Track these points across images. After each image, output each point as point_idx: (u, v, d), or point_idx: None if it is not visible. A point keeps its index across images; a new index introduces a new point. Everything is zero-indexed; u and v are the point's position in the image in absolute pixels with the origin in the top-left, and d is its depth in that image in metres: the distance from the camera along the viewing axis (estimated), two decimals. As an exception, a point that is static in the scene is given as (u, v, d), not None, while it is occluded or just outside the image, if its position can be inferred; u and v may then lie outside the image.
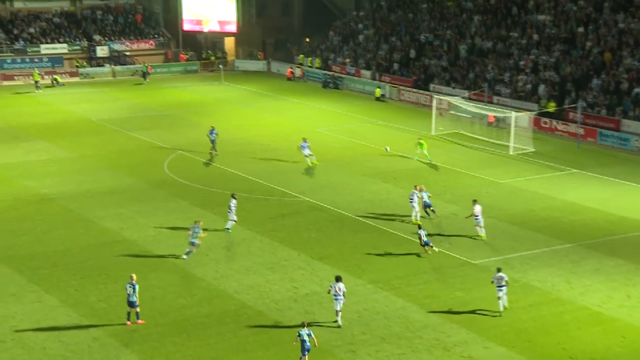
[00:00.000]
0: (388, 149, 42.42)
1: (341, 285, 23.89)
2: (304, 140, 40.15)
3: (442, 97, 51.09)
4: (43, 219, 32.38)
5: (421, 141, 42.02)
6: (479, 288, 26.56)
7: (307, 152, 40.00)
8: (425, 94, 57.05)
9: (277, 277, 27.22)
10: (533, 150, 44.13)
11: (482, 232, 30.91)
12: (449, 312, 24.83)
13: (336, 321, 23.82)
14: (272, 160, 41.59)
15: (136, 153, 42.14)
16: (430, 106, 51.36)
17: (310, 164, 39.98)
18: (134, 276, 24.01)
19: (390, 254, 29.51)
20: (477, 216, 30.70)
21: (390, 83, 61.14)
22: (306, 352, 21.31)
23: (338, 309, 23.81)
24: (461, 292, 26.27)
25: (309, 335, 21.33)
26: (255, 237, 30.82)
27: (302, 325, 21.56)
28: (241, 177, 38.40)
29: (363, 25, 70.09)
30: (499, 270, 24.97)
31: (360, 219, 33.20)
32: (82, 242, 30.01)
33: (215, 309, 24.85)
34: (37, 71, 61.03)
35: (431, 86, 58.63)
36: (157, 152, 43.09)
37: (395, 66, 62.94)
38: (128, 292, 23.60)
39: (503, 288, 24.68)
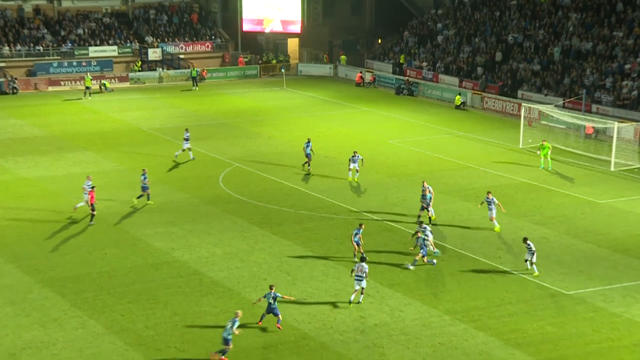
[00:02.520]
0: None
1: (365, 266, 27.00)
2: (355, 153, 40.31)
3: (532, 106, 50.44)
4: (88, 237, 33.33)
5: (544, 143, 41.99)
6: (573, 323, 26.02)
7: (353, 165, 40.08)
8: (513, 102, 56.39)
9: (342, 306, 27.25)
10: (638, 166, 43.03)
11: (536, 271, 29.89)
12: (538, 350, 24.35)
13: (358, 302, 26.79)
14: (337, 175, 41.77)
15: (189, 166, 43.00)
16: (518, 115, 50.75)
17: (350, 179, 40.07)
18: (240, 313, 23.83)
19: (470, 281, 29.20)
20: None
21: (473, 90, 60.70)
22: (266, 315, 25.28)
23: (357, 288, 27.09)
24: (552, 327, 25.78)
25: (274, 298, 25.22)
26: (318, 260, 30.96)
27: (270, 288, 25.46)
28: (303, 193, 38.69)
29: (443, 24, 69.91)
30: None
31: (435, 241, 32.96)
32: (130, 263, 30.75)
33: (273, 339, 25.05)
34: (89, 76, 62.92)
35: (519, 93, 57.94)
36: (212, 165, 43.82)
37: (479, 70, 62.47)
38: (226, 327, 23.47)
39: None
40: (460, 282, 29.25)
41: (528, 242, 29.97)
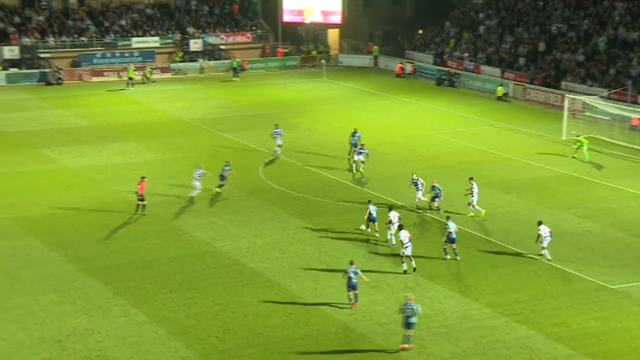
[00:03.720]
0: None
1: (406, 232, 28.91)
2: (362, 146, 40.31)
3: (575, 97, 49.72)
4: (130, 226, 33.72)
5: (580, 138, 41.60)
6: (617, 317, 25.68)
7: (357, 157, 39.97)
8: (556, 93, 55.66)
9: (382, 297, 27.24)
10: (685, 158, 42.27)
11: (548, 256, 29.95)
12: (581, 344, 24.08)
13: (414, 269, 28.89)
14: (377, 166, 41.66)
15: (229, 156, 43.15)
16: (561, 107, 50.08)
17: (354, 171, 39.92)
18: (411, 296, 24.08)
19: (512, 274, 28.96)
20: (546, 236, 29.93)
21: (515, 80, 60.02)
22: (350, 289, 26.02)
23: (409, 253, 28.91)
24: (596, 322, 25.47)
25: (355, 272, 25.90)
26: (358, 251, 30.94)
27: (350, 263, 26.25)
28: (343, 185, 38.65)
29: (485, 14, 69.18)
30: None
31: (477, 234, 32.74)
32: (171, 252, 31.05)
33: (313, 330, 25.12)
34: (132, 67, 63.59)
35: (563, 84, 57.14)
36: (252, 156, 44.00)
37: (521, 61, 61.72)
38: (407, 314, 23.59)
39: None
40: (502, 275, 29.02)
41: (541, 226, 29.97)
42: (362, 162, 40.31)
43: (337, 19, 74.76)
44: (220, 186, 37.51)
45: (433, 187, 34.50)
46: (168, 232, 32.99)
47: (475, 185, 34.41)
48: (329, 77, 66.80)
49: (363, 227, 32.79)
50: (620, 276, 28.64)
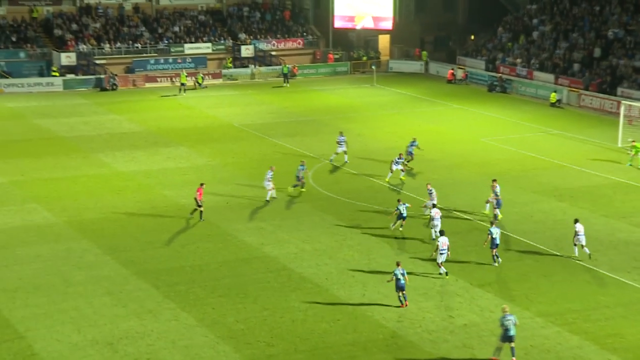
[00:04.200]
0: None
1: (445, 239, 28.92)
2: (400, 155, 40.22)
3: (632, 103, 48.75)
4: (181, 231, 34.07)
5: (635, 143, 41.03)
6: (673, 330, 25.04)
7: (395, 167, 39.74)
8: (612, 100, 54.64)
9: (432, 305, 27.04)
10: None
11: (587, 252, 30.50)
12: (637, 356, 23.57)
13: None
14: (426, 172, 41.40)
15: (279, 162, 43.33)
16: (617, 113, 49.14)
17: (387, 180, 39.64)
18: (507, 307, 23.98)
19: (564, 283, 28.47)
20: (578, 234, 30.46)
21: (569, 87, 59.10)
22: (399, 290, 26.56)
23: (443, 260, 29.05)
24: (651, 334, 24.90)
25: (402, 274, 26.45)
26: (406, 259, 30.76)
27: (397, 265, 26.89)
28: (392, 191, 38.46)
29: (539, 20, 68.30)
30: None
31: (528, 241, 32.30)
32: (221, 257, 31.29)
33: (361, 336, 25.04)
34: (184, 73, 64.43)
35: (619, 90, 56.07)
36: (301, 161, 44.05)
37: (576, 67, 60.78)
38: (507, 327, 23.38)
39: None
40: (554, 283, 28.57)
41: (577, 224, 30.25)
42: (402, 171, 40.11)
43: (388, 24, 74.62)
44: (295, 186, 38.16)
45: (429, 192, 34.59)
46: (217, 237, 33.24)
47: (498, 188, 34.59)
48: (379, 83, 66.69)
49: (392, 225, 33.39)
50: (677, 287, 27.96)
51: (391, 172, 39.87)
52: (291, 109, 57.92)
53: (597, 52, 60.55)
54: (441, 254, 29.04)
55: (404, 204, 33.02)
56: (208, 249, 32.02)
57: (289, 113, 56.72)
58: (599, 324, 25.57)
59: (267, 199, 37.18)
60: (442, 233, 29.62)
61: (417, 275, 29.25)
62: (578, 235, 30.41)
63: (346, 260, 30.72)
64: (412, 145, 42.19)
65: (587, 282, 28.61)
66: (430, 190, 34.79)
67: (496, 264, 29.98)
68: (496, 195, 34.33)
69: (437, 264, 29.27)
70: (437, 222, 31.99)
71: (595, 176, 40.72)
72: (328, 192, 38.79)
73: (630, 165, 41.85)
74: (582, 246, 30.41)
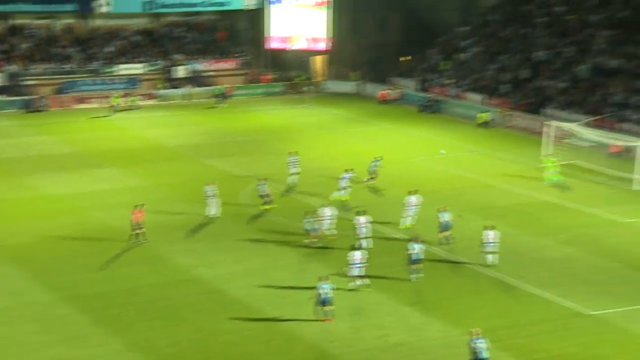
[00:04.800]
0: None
1: (359, 253, 29.36)
2: (347, 171, 40.55)
3: (558, 124, 50.09)
4: (112, 254, 33.58)
5: (545, 159, 43.02)
6: (596, 344, 25.77)
7: (343, 184, 40.16)
8: (539, 120, 56.04)
9: (363, 324, 27.22)
10: (665, 185, 42.59)
11: (489, 260, 31.79)
12: (560, 371, 24.15)
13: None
14: (360, 192, 41.74)
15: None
16: (543, 133, 50.41)
17: (336, 198, 39.92)
18: (478, 330, 23.76)
19: (494, 300, 29.02)
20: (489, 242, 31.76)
21: (498, 107, 60.45)
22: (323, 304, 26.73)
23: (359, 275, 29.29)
24: (575, 348, 25.55)
25: (329, 289, 26.67)
26: (338, 277, 30.82)
27: (323, 279, 27.06)
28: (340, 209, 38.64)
29: (469, 42, 69.79)
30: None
31: (458, 260, 32.82)
32: (152, 280, 30.96)
33: (295, 357, 25.03)
34: (117, 94, 63.76)
35: (546, 111, 57.59)
36: (235, 182, 44.00)
37: (505, 88, 62.23)
38: (477, 351, 23.18)
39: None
40: (484, 300, 29.08)
41: (487, 231, 31.42)
42: (344, 189, 40.44)
43: (323, 45, 75.24)
44: (265, 203, 38.42)
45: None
46: (150, 259, 32.89)
47: (414, 199, 36.13)
48: (314, 103, 67.10)
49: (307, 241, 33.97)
50: (600, 302, 28.74)
51: (341, 191, 40.11)
52: (226, 130, 57.82)
53: (525, 73, 62.15)
54: (353, 267, 29.28)
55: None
56: (140, 272, 31.64)
57: (223, 133, 56.61)
58: (526, 340, 26.10)
59: (210, 214, 37.28)
60: (355, 247, 30.02)
61: (349, 293, 29.41)
62: (487, 243, 31.56)
63: (279, 281, 30.72)
64: (374, 164, 42.68)
65: (516, 299, 29.21)
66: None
67: (414, 279, 30.39)
68: (443, 219, 34.46)
69: (350, 277, 29.51)
70: (363, 232, 32.77)
71: (523, 195, 41.67)
72: (261, 211, 38.75)
73: (554, 182, 42.88)
74: (487, 253, 31.56)
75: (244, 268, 32.01)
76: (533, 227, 36.66)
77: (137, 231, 34.43)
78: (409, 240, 31.25)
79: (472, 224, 36.88)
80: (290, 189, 42.40)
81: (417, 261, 30.44)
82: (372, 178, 42.48)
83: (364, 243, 33.10)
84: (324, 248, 34.03)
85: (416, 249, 30.39)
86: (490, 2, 74.67)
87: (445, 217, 34.10)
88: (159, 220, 37.54)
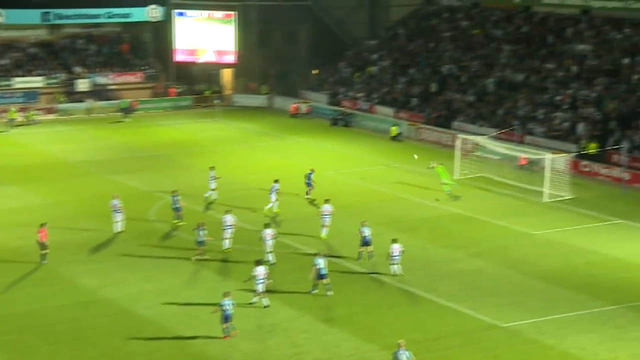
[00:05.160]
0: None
1: (262, 268, 29.34)
2: (276, 181, 41.32)
3: (467, 137, 51.42)
4: (11, 275, 32.55)
5: (438, 166, 44.75)
6: (508, 355, 26.45)
7: (274, 196, 40.85)
8: (448, 133, 57.45)
9: (277, 342, 27.19)
10: (571, 197, 44.21)
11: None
12: (474, 383, 24.69)
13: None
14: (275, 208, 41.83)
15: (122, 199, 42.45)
16: (453, 146, 51.69)
17: (266, 211, 40.61)
18: (403, 342, 23.89)
19: (407, 314, 29.47)
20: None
21: (408, 120, 61.65)
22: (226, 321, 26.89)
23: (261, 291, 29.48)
24: (488, 360, 26.18)
25: (231, 305, 26.86)
26: (250, 295, 30.84)
27: (225, 295, 27.17)
28: (238, 228, 38.50)
29: (378, 55, 71.01)
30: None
31: (372, 274, 33.23)
32: (55, 302, 30.15)
33: (205, 378, 24.81)
34: (13, 108, 62.03)
35: (454, 124, 59.08)
36: (143, 199, 43.44)
37: (414, 101, 63.56)
38: None
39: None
40: (397, 315, 29.49)
41: (394, 244, 32.45)
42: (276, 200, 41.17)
43: (231, 58, 75.20)
44: (177, 218, 38.44)
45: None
46: (52, 280, 32.06)
47: (328, 207, 36.92)
48: (223, 117, 66.89)
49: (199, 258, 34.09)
50: (511, 314, 29.56)
51: (274, 203, 40.65)
52: (132, 145, 56.99)
53: (434, 86, 63.66)
54: (258, 283, 29.42)
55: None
56: (42, 294, 30.80)
57: (129, 149, 55.77)
58: (440, 353, 26.55)
59: (117, 230, 37.02)
60: (258, 263, 30.00)
61: (263, 310, 29.36)
62: (393, 256, 32.44)
63: (190, 299, 30.40)
64: (309, 176, 43.34)
65: (429, 313, 29.73)
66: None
67: (316, 291, 30.79)
68: (364, 234, 34.70)
69: (256, 292, 29.63)
70: (269, 245, 33.50)
71: (434, 208, 42.56)
72: (171, 229, 38.32)
73: (449, 192, 43.98)
74: (393, 264, 32.52)
75: (153, 287, 31.54)
76: (444, 240, 37.47)
77: (43, 251, 33.51)
78: (315, 255, 31.50)
79: (386, 237, 37.36)
80: (209, 204, 42.20)
81: (324, 276, 30.71)
82: (310, 190, 43.35)
83: (270, 257, 33.45)
84: (237, 262, 33.89)
85: (321, 263, 30.70)
86: (398, 16, 76.36)
87: (366, 232, 34.30)
88: (62, 239, 36.66)
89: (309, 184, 43.40)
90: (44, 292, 30.99)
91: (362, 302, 30.58)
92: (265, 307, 29.54)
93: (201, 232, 33.95)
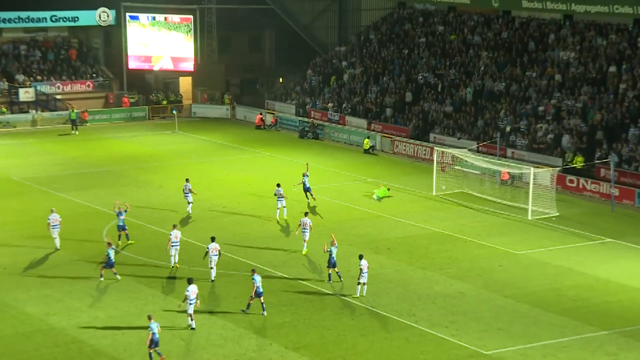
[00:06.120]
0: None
1: (194, 287, 29.94)
2: (278, 185, 43.36)
3: (444, 150, 51.67)
4: (-51, 302, 32.01)
5: (382, 187, 47.11)
6: (493, 385, 26.46)
7: (281, 203, 43.07)
8: (425, 146, 57.71)
9: (242, 373, 27.00)
10: (556, 214, 44.55)
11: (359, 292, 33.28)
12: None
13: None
14: (237, 225, 41.59)
15: (68, 219, 41.84)
16: (430, 160, 51.91)
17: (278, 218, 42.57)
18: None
19: (383, 342, 29.37)
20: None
21: (382, 132, 61.83)
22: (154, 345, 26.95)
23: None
24: (472, 390, 26.14)
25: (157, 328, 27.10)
26: (216, 322, 30.60)
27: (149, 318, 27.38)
28: (198, 247, 38.24)
29: (348, 62, 71.24)
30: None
31: (345, 298, 33.12)
32: (-2, 331, 29.66)
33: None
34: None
35: (431, 136, 59.36)
36: (95, 218, 43.04)
37: (388, 112, 63.76)
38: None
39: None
40: (372, 342, 29.39)
41: (362, 260, 32.73)
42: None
43: (189, 66, 75.05)
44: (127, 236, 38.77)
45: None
46: (-6, 308, 31.54)
47: (307, 220, 37.80)
48: (182, 129, 66.60)
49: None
50: (494, 341, 29.59)
51: (282, 209, 42.46)
52: (82, 159, 56.49)
53: (409, 96, 63.91)
54: (190, 303, 29.67)
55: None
56: (-18, 323, 30.27)
57: (79, 164, 55.28)
58: (419, 383, 26.56)
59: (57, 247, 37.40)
60: (189, 281, 30.09)
61: (229, 338, 29.08)
62: (362, 273, 32.69)
63: (146, 326, 29.99)
64: (306, 178, 45.32)
65: (406, 340, 29.65)
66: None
67: (247, 311, 31.20)
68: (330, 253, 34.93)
69: (188, 315, 29.80)
70: (214, 260, 34.29)
71: (411, 226, 42.63)
72: (125, 251, 37.98)
73: (378, 199, 46.15)
74: (363, 284, 32.81)
75: (106, 314, 31.16)
76: (423, 261, 37.49)
77: None
78: (252, 271, 31.65)
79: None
80: (187, 218, 42.83)
81: (261, 294, 31.10)
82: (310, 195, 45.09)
83: (212, 272, 34.19)
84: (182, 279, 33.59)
85: (258, 281, 31.11)
86: (369, 21, 76.74)
87: (334, 252, 34.31)
88: (5, 263, 36.15)
89: (308, 189, 45.20)
90: (-15, 321, 30.49)
91: (334, 328, 30.44)
92: (191, 328, 29.76)
93: (110, 251, 34.34)
